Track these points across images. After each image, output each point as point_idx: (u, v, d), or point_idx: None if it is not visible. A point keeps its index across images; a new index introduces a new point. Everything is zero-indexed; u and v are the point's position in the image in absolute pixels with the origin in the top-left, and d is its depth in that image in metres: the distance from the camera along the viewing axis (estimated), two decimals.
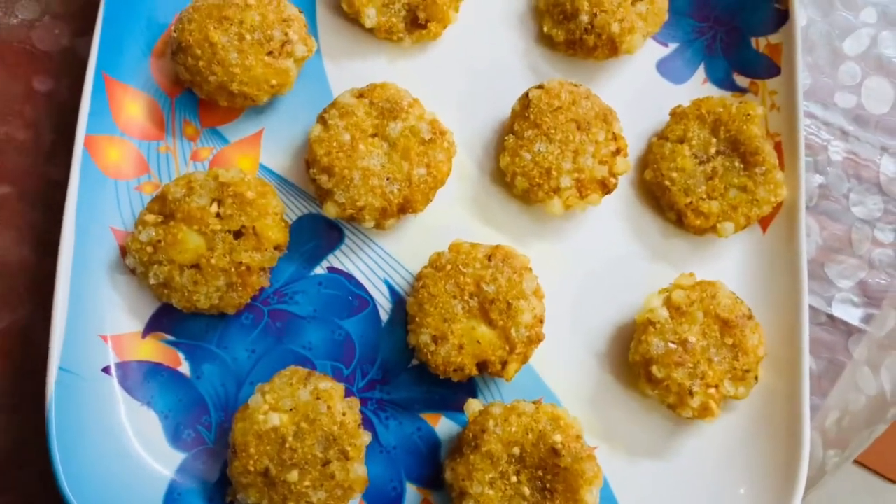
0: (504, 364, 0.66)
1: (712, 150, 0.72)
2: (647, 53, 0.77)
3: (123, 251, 0.68)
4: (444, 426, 0.69)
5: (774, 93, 0.75)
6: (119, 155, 0.70)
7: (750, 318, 0.69)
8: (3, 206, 0.72)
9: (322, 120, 0.69)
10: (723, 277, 0.71)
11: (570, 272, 0.72)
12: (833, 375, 0.76)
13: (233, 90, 0.69)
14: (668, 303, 0.69)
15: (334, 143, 0.68)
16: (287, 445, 0.62)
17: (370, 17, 0.72)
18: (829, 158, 0.80)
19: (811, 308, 0.74)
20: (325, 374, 0.67)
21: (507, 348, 0.66)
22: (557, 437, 0.64)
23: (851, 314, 0.77)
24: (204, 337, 0.69)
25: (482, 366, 0.66)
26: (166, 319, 0.69)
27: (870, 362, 0.76)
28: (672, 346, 0.67)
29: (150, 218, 0.67)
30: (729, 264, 0.74)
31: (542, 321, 0.67)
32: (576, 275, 0.72)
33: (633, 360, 0.69)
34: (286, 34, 0.70)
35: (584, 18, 0.73)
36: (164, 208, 0.67)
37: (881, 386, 0.76)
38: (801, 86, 0.74)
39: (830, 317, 0.77)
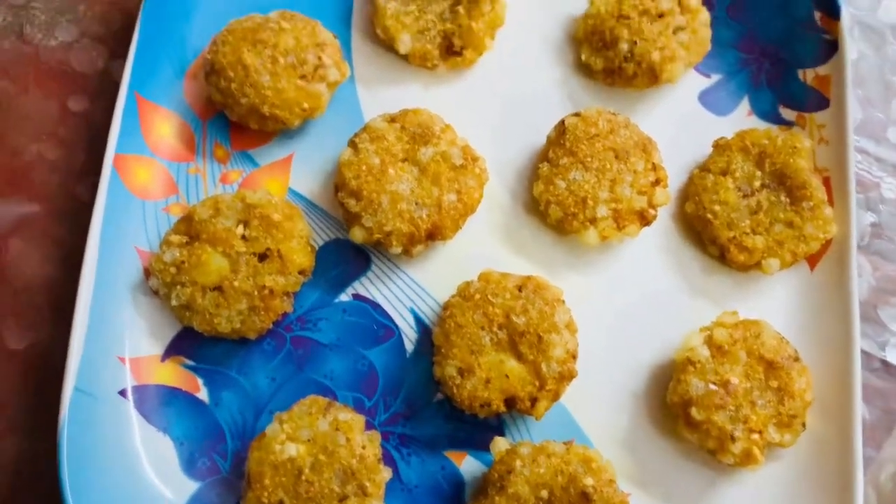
0: (534, 401, 0.63)
1: (757, 184, 0.69)
2: (689, 84, 0.75)
3: (147, 272, 0.67)
4: (468, 465, 0.65)
5: (822, 126, 0.72)
6: (148, 175, 0.69)
7: (797, 360, 0.65)
8: (31, 224, 0.72)
9: (353, 144, 0.68)
10: (767, 317, 0.67)
11: (605, 306, 0.69)
12: (888, 425, 0.71)
13: (264, 113, 0.68)
14: (709, 341, 0.65)
15: (363, 167, 0.66)
16: (303, 478, 0.59)
17: (405, 43, 0.72)
18: (881, 196, 0.76)
19: (863, 353, 0.69)
20: (346, 406, 0.64)
21: (537, 384, 0.63)
22: (589, 481, 0.60)
23: None
24: (224, 362, 0.67)
25: (510, 402, 0.63)
26: (187, 343, 0.67)
27: None
28: (713, 387, 0.63)
29: (176, 238, 0.65)
30: (774, 303, 0.70)
31: (574, 356, 0.64)
32: (611, 309, 0.69)
33: (672, 402, 0.65)
34: (319, 58, 0.69)
35: (624, 47, 0.71)
36: (190, 229, 0.66)
37: None
38: (852, 119, 0.71)
39: (884, 363, 0.72)
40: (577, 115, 0.70)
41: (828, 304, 0.68)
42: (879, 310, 0.73)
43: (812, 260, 0.70)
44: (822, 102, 0.73)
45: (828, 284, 0.69)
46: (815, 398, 0.65)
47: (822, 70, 0.73)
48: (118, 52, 0.76)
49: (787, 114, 0.74)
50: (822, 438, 0.65)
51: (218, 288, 0.64)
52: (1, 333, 0.69)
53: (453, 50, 0.72)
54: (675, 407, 0.65)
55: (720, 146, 0.71)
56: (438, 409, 0.66)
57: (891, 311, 0.73)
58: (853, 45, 0.77)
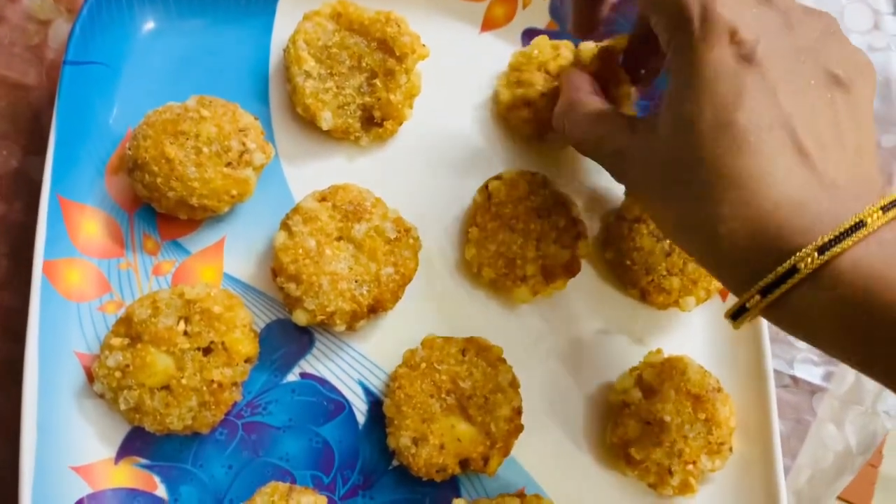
0: (486, 459, 0.66)
1: None
2: None
3: (90, 375, 0.67)
4: None
5: None
6: (80, 277, 0.68)
7: (719, 390, 0.70)
8: None
9: (286, 227, 0.69)
10: (689, 349, 0.73)
11: (543, 357, 0.73)
12: (801, 435, 0.78)
13: (193, 204, 0.68)
14: (639, 382, 0.70)
15: (300, 251, 0.67)
16: None
17: (326, 119, 0.73)
18: None
19: (775, 371, 0.76)
20: (307, 487, 0.66)
21: (488, 443, 0.66)
22: None
23: (812, 373, 0.79)
24: (178, 457, 0.67)
25: (464, 463, 0.66)
26: (139, 442, 0.67)
27: (834, 419, 0.79)
28: (648, 426, 0.68)
29: (117, 342, 0.65)
30: (694, 335, 0.76)
31: (519, 412, 0.68)
32: (548, 359, 0.73)
33: (612, 443, 0.70)
34: (244, 143, 0.69)
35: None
36: (130, 330, 0.65)
37: (846, 440, 0.78)
38: None
39: (794, 378, 0.79)
40: (498, 178, 0.73)
41: (741, 330, 0.75)
42: None
43: (724, 292, 0.76)
44: None
45: None
46: (738, 421, 0.71)
47: None
48: (30, 148, 0.74)
49: None
50: (747, 457, 0.72)
51: (166, 387, 0.65)
52: None
53: (374, 122, 0.74)
54: (616, 447, 0.69)
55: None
56: (395, 476, 0.69)
57: None
58: None
